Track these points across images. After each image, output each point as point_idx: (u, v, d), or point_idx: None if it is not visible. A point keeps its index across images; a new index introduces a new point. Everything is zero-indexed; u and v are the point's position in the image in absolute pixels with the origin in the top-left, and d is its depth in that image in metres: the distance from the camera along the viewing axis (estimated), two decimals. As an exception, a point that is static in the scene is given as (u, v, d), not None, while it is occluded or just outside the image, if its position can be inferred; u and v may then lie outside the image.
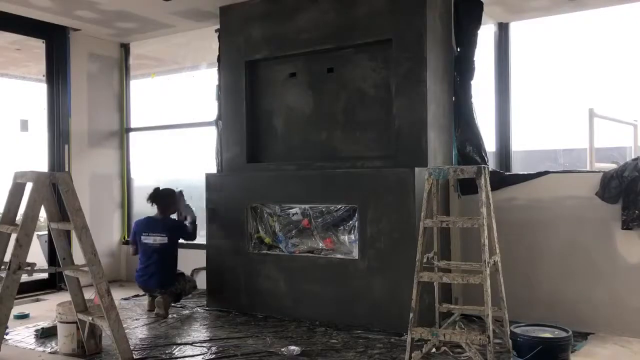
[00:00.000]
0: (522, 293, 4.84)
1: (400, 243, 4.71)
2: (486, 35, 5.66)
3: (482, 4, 5.27)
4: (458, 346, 4.06)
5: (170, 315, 5.42)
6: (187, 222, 5.61)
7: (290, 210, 5.50)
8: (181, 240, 5.64)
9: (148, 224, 5.57)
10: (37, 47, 6.87)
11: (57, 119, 6.76)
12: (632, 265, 4.57)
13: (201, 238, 5.91)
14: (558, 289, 4.83)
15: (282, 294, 5.33)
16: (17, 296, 4.04)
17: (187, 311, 5.61)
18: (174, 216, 5.72)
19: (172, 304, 5.63)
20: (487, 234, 3.70)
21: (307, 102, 5.59)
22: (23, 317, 5.41)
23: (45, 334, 4.74)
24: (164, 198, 5.62)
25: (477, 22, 5.29)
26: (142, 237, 5.51)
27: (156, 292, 5.48)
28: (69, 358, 4.24)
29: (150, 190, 5.64)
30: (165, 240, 5.45)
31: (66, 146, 6.81)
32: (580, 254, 4.77)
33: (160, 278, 5.45)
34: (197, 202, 5.84)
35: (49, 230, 4.68)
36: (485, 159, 5.31)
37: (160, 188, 5.68)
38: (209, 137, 6.54)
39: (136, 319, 5.35)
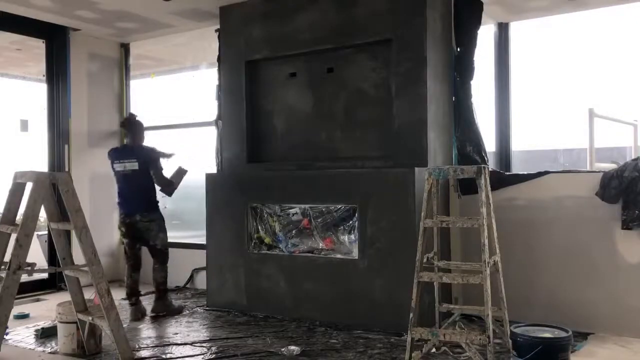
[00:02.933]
0: (522, 293, 4.84)
1: (400, 243, 4.71)
2: (486, 35, 5.66)
3: (482, 4, 5.27)
4: (458, 346, 4.06)
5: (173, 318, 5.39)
6: (169, 178, 5.54)
7: (290, 210, 5.50)
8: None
9: (119, 152, 5.57)
10: (37, 47, 6.87)
11: (57, 119, 6.77)
12: (632, 265, 4.57)
13: (201, 238, 5.91)
14: (558, 289, 4.83)
15: (282, 294, 5.33)
16: (17, 296, 4.04)
17: (187, 311, 5.61)
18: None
19: (163, 297, 5.51)
20: (487, 234, 3.70)
21: (307, 102, 5.59)
22: (23, 317, 5.41)
23: (45, 334, 4.74)
24: (135, 125, 5.57)
25: (477, 22, 5.29)
26: (115, 165, 5.48)
27: (139, 216, 5.37)
28: (69, 358, 4.24)
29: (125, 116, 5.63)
30: (135, 166, 5.38)
31: (66, 146, 6.81)
32: (580, 254, 4.77)
33: (136, 204, 5.38)
34: (197, 202, 5.83)
35: (49, 230, 4.67)
36: (485, 159, 5.31)
37: (134, 116, 5.67)
38: (209, 137, 6.54)
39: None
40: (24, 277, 4.10)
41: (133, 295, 5.48)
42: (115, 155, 5.53)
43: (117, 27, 6.80)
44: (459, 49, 5.36)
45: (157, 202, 5.54)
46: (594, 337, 4.55)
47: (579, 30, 6.00)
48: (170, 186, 5.53)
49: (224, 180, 5.80)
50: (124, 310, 5.59)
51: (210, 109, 6.50)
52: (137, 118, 5.64)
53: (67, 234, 4.42)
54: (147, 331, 4.97)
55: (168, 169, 5.60)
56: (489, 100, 5.80)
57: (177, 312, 5.50)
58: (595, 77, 6.07)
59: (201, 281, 6.29)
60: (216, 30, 6.21)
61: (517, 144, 5.87)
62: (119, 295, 6.08)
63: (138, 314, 5.37)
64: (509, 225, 4.90)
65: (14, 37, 6.74)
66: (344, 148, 5.40)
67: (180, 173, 5.62)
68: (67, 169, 6.73)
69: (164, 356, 4.25)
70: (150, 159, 5.44)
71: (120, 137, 7.54)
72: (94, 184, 7.16)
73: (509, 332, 3.88)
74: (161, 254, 5.51)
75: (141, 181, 5.42)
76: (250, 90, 5.88)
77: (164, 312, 5.43)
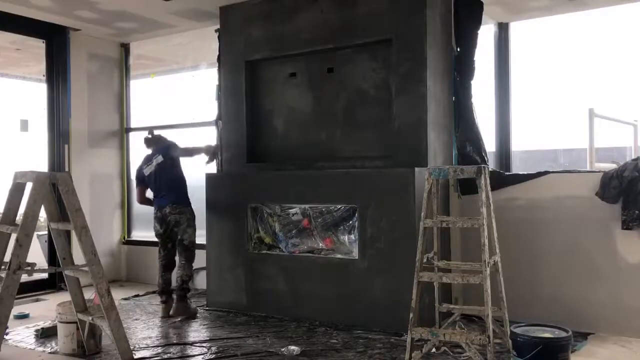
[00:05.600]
0: (522, 293, 4.84)
1: (400, 243, 4.71)
2: (486, 35, 5.66)
3: (482, 4, 5.27)
4: (458, 346, 4.06)
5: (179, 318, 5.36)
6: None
7: (290, 210, 5.49)
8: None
9: (147, 159, 5.64)
10: (37, 47, 6.87)
11: (57, 119, 6.77)
12: (632, 265, 4.57)
13: (201, 238, 5.91)
14: (558, 289, 4.83)
15: (282, 294, 5.33)
16: (17, 296, 4.03)
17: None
18: None
19: (184, 298, 5.45)
20: (487, 234, 3.70)
21: (307, 102, 5.59)
22: (23, 317, 5.41)
23: (45, 334, 4.74)
24: (156, 141, 5.70)
25: (477, 22, 5.29)
26: (144, 170, 5.58)
27: (168, 208, 5.40)
28: (69, 358, 4.24)
29: (148, 133, 5.75)
30: (160, 159, 5.50)
31: (66, 146, 6.81)
32: (580, 253, 4.77)
33: (166, 195, 5.45)
34: (197, 203, 5.83)
35: (49, 230, 4.68)
36: (485, 159, 5.31)
37: (152, 131, 5.78)
38: (209, 137, 6.53)
39: (136, 319, 5.35)
40: (24, 277, 4.10)
41: (164, 293, 5.48)
42: (144, 163, 5.65)
43: (117, 27, 6.80)
44: (459, 49, 5.35)
45: (188, 196, 5.57)
46: (594, 337, 4.55)
47: (579, 30, 6.00)
48: (194, 153, 5.78)
49: (224, 181, 5.80)
50: (124, 310, 5.60)
51: (210, 109, 6.50)
52: (155, 133, 5.75)
53: (67, 233, 4.42)
54: (147, 331, 4.96)
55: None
56: (489, 100, 5.80)
57: (194, 315, 5.41)
58: (595, 77, 6.07)
59: (201, 281, 6.28)
60: (216, 30, 6.21)
61: (517, 144, 5.87)
62: (119, 295, 6.09)
63: (168, 311, 5.38)
64: (509, 225, 4.90)
65: (14, 37, 6.74)
66: (344, 148, 5.40)
67: (210, 149, 5.91)
68: (67, 169, 6.73)
69: (163, 356, 4.25)
70: (169, 147, 5.60)
71: (121, 137, 7.55)
72: (94, 184, 7.17)
73: (509, 332, 3.88)
74: (187, 251, 5.47)
75: (170, 174, 5.51)
76: (251, 90, 5.88)
77: (186, 315, 5.33)
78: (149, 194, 5.72)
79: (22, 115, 8.56)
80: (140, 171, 5.67)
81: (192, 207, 5.59)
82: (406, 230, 4.68)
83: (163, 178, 5.49)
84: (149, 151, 5.69)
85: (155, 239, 5.63)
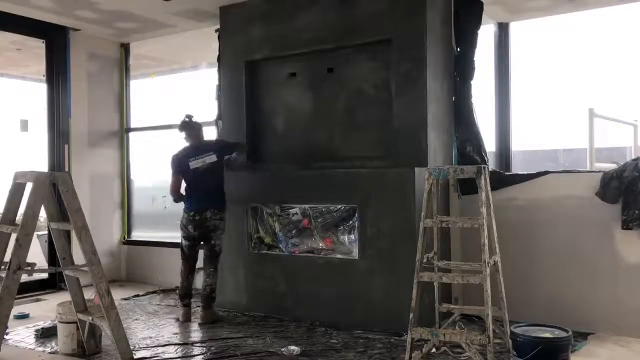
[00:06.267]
0: (522, 293, 4.84)
1: (400, 243, 4.71)
2: (486, 35, 5.66)
3: (482, 4, 5.27)
4: (458, 346, 4.06)
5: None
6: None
7: (290, 210, 5.50)
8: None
9: (194, 150, 5.29)
10: (37, 47, 6.87)
11: (57, 119, 6.76)
12: (632, 265, 4.57)
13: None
14: (558, 289, 4.83)
15: (282, 294, 5.33)
16: (17, 296, 4.04)
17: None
18: None
19: (210, 306, 5.30)
20: (487, 234, 3.70)
21: (307, 102, 5.59)
22: (23, 317, 5.41)
23: (45, 334, 4.74)
24: (194, 127, 5.37)
25: (477, 22, 5.29)
26: (190, 162, 5.23)
27: (209, 213, 5.18)
28: (69, 358, 4.24)
29: (183, 117, 5.41)
30: (214, 158, 5.24)
31: (66, 146, 6.81)
32: (580, 253, 4.77)
33: (210, 199, 5.22)
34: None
35: (49, 230, 4.67)
36: (485, 159, 5.31)
37: (191, 116, 5.42)
38: (209, 137, 6.52)
39: (136, 319, 5.35)
40: (24, 277, 4.10)
41: (187, 297, 5.35)
42: (190, 153, 5.27)
43: (117, 27, 6.80)
44: (459, 49, 5.35)
45: (226, 205, 5.39)
46: (594, 337, 4.55)
47: (579, 30, 6.01)
48: (241, 149, 5.66)
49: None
50: (124, 310, 5.60)
51: (210, 109, 6.50)
52: (194, 119, 5.40)
53: (67, 234, 4.42)
54: (146, 331, 4.96)
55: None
56: (489, 100, 5.80)
57: (219, 321, 5.27)
58: (595, 77, 6.07)
59: (201, 281, 6.27)
60: (216, 30, 6.21)
61: (517, 144, 5.87)
62: (119, 295, 6.09)
63: (189, 315, 5.27)
64: (509, 225, 4.90)
65: (14, 37, 6.74)
66: (344, 148, 5.39)
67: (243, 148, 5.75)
68: (67, 169, 6.73)
69: (163, 356, 4.25)
70: (223, 147, 5.47)
71: (121, 137, 7.55)
72: (94, 184, 7.17)
73: (509, 332, 3.88)
74: (217, 258, 5.33)
75: (219, 177, 5.32)
76: (250, 90, 5.88)
77: (215, 321, 5.19)
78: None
79: (22, 115, 8.57)
80: (182, 160, 5.26)
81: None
82: (406, 230, 4.68)
83: (211, 180, 5.24)
84: (185, 140, 5.36)
85: (174, 241, 5.47)
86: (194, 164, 5.23)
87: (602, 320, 4.64)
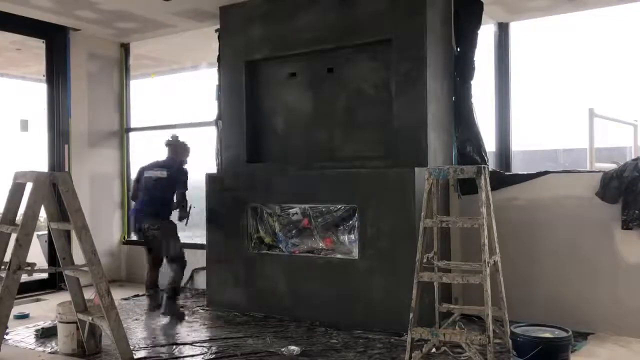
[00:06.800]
0: (522, 293, 4.84)
1: (400, 243, 4.71)
2: (486, 35, 5.66)
3: (482, 4, 5.27)
4: (458, 346, 4.06)
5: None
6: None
7: (290, 210, 5.50)
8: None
9: (154, 163, 5.62)
10: (37, 47, 6.87)
11: (57, 119, 6.77)
12: (632, 265, 4.57)
13: (201, 238, 5.91)
14: (558, 289, 4.83)
15: (282, 294, 5.33)
16: (17, 296, 4.04)
17: (187, 311, 5.61)
18: None
19: (172, 298, 5.48)
20: (487, 233, 3.70)
21: (307, 102, 5.59)
22: (23, 317, 5.41)
23: (45, 334, 4.74)
24: (176, 146, 5.64)
25: (477, 22, 5.29)
26: (145, 173, 5.56)
27: (147, 224, 5.39)
28: (69, 358, 4.24)
29: (170, 136, 5.71)
30: (164, 174, 5.45)
31: (66, 146, 6.81)
32: (580, 253, 4.77)
33: (155, 209, 5.42)
34: (197, 203, 5.84)
35: (49, 230, 4.67)
36: (485, 159, 5.31)
37: (176, 137, 5.71)
38: (209, 137, 6.54)
39: (136, 319, 5.35)
40: (24, 277, 4.10)
41: (151, 288, 5.60)
42: (152, 165, 5.60)
43: (117, 27, 6.80)
44: (459, 49, 5.35)
45: (170, 211, 5.55)
46: (594, 337, 4.55)
47: (579, 30, 6.01)
48: (183, 207, 5.60)
49: (224, 181, 5.79)
50: (124, 310, 5.60)
51: (210, 109, 6.50)
52: (179, 139, 5.70)
53: (67, 233, 4.42)
54: (147, 331, 4.96)
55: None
56: (489, 100, 5.80)
57: (181, 317, 5.36)
58: (595, 77, 6.07)
59: (201, 281, 6.28)
60: (216, 30, 6.21)
61: (517, 144, 5.87)
62: (119, 295, 6.09)
63: (154, 306, 5.48)
64: (509, 225, 4.90)
65: (14, 37, 6.74)
66: (344, 148, 5.39)
67: (186, 212, 5.65)
68: (67, 169, 6.73)
69: (164, 356, 4.25)
70: (179, 175, 5.53)
71: (121, 137, 7.55)
72: (94, 184, 7.17)
73: (509, 332, 3.88)
74: (175, 261, 5.48)
75: (162, 191, 5.47)
76: (250, 90, 5.88)
77: (172, 314, 5.33)
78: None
79: (22, 115, 8.56)
80: (142, 170, 5.62)
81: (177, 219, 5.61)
82: (406, 230, 4.68)
83: (155, 192, 5.45)
84: (164, 155, 5.64)
85: None
86: (148, 173, 5.57)
87: (602, 320, 4.64)
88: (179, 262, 5.50)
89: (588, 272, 4.73)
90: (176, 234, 5.52)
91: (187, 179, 5.56)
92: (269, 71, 5.81)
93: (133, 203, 5.80)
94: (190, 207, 5.56)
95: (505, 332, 4.01)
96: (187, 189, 5.55)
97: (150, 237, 5.42)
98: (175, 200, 5.50)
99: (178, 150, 5.64)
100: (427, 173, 3.89)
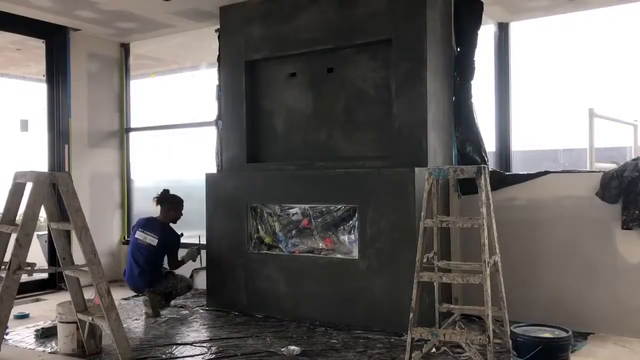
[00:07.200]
0: (522, 293, 4.84)
1: (400, 243, 4.71)
2: (486, 35, 5.66)
3: (482, 4, 5.27)
4: (458, 346, 4.06)
5: (165, 316, 5.39)
6: (180, 258, 5.78)
7: (290, 210, 5.50)
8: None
9: (147, 222, 5.74)
10: (37, 47, 6.87)
11: (57, 119, 6.77)
12: (632, 265, 4.57)
13: (201, 238, 5.91)
14: (558, 289, 4.83)
15: (282, 294, 5.33)
16: (17, 296, 4.04)
17: (187, 311, 5.61)
18: (174, 227, 5.83)
19: (164, 303, 5.66)
20: (487, 234, 3.70)
21: (307, 102, 5.59)
22: (23, 317, 5.41)
23: (45, 334, 4.74)
24: (169, 202, 5.76)
25: (477, 22, 5.29)
26: (137, 232, 5.67)
27: (144, 291, 5.55)
28: (69, 358, 4.24)
29: (159, 191, 5.82)
30: (154, 241, 5.58)
31: (66, 146, 6.81)
32: (580, 254, 4.77)
33: (146, 277, 5.56)
34: (197, 203, 5.84)
35: (49, 230, 4.68)
36: (485, 159, 5.31)
37: (170, 192, 5.82)
38: (209, 137, 6.54)
39: (136, 319, 5.35)
40: (24, 277, 4.10)
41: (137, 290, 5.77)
42: (142, 224, 5.73)
43: (117, 27, 6.80)
44: (459, 49, 5.35)
45: (166, 272, 5.74)
46: (594, 337, 4.55)
47: (579, 30, 6.00)
48: (178, 267, 5.78)
49: (224, 181, 5.79)
50: (124, 310, 5.60)
51: (210, 109, 6.50)
52: (169, 193, 5.81)
53: (67, 234, 4.42)
54: (147, 331, 4.96)
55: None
56: (489, 100, 5.80)
57: (157, 312, 5.44)
58: (595, 77, 6.06)
59: (201, 281, 6.27)
60: (216, 30, 6.21)
61: (517, 144, 5.87)
62: (119, 295, 6.09)
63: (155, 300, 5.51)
64: (509, 225, 4.90)
65: (14, 37, 6.74)
66: (344, 148, 5.40)
67: (194, 254, 5.86)
68: (67, 169, 6.73)
69: (164, 356, 4.25)
70: (169, 242, 5.66)
71: (121, 137, 7.55)
72: (94, 184, 7.17)
73: (509, 332, 3.88)
74: (173, 287, 5.74)
75: (153, 255, 5.60)
76: (250, 90, 5.88)
77: (152, 305, 5.40)
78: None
79: (22, 115, 8.57)
80: (137, 225, 5.77)
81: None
82: (406, 230, 4.68)
83: (144, 257, 5.58)
84: (157, 209, 5.78)
85: None
86: (139, 234, 5.66)
87: (602, 320, 4.64)
88: (174, 288, 5.70)
89: (588, 272, 4.73)
90: (171, 276, 5.72)
91: (178, 246, 5.74)
92: (269, 71, 5.81)
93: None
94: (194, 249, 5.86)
95: (505, 332, 4.01)
96: (177, 250, 5.74)
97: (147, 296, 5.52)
98: (169, 263, 5.72)
99: (169, 207, 5.74)
100: (427, 173, 3.89)
